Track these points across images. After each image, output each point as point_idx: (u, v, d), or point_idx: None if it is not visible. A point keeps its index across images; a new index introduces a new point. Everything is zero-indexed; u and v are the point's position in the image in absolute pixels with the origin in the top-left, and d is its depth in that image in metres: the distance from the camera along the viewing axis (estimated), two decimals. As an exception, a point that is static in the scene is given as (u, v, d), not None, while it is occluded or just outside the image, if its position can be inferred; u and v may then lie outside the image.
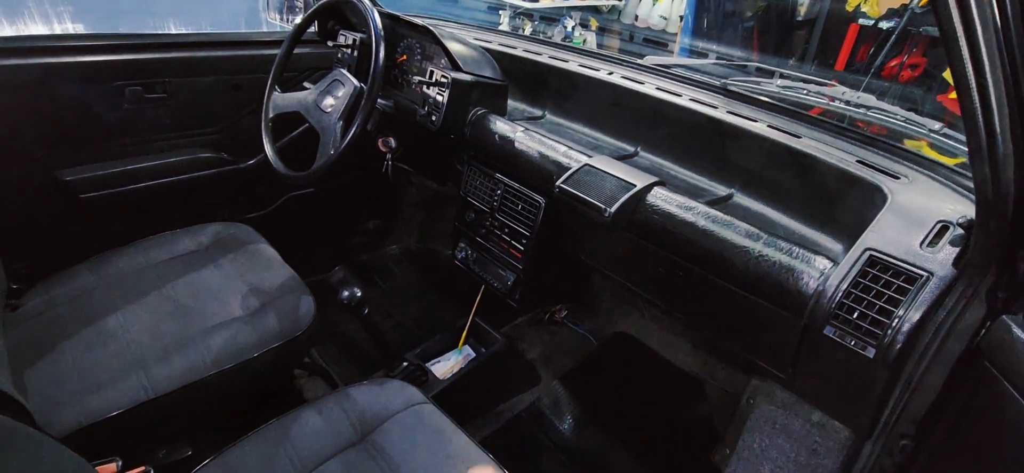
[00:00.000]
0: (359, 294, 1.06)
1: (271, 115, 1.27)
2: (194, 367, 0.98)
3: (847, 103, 1.26)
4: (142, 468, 0.84)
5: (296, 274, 1.21)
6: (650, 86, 1.28)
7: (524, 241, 1.24)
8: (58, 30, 1.96)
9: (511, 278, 1.28)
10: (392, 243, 1.97)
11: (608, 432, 1.38)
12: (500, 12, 4.01)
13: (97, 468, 0.70)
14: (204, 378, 0.97)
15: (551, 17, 3.89)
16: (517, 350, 1.49)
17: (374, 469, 0.81)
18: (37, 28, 1.88)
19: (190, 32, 1.44)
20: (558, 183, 1.05)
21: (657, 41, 3.77)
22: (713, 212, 0.93)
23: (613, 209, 0.95)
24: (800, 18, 3.32)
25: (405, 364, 1.25)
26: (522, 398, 1.43)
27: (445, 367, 1.32)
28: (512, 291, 1.28)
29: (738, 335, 1.06)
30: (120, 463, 0.76)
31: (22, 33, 1.71)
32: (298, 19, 1.58)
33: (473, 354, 1.38)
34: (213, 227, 1.33)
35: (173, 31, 1.81)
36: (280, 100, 1.28)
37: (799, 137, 1.06)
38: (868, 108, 1.22)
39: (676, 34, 3.64)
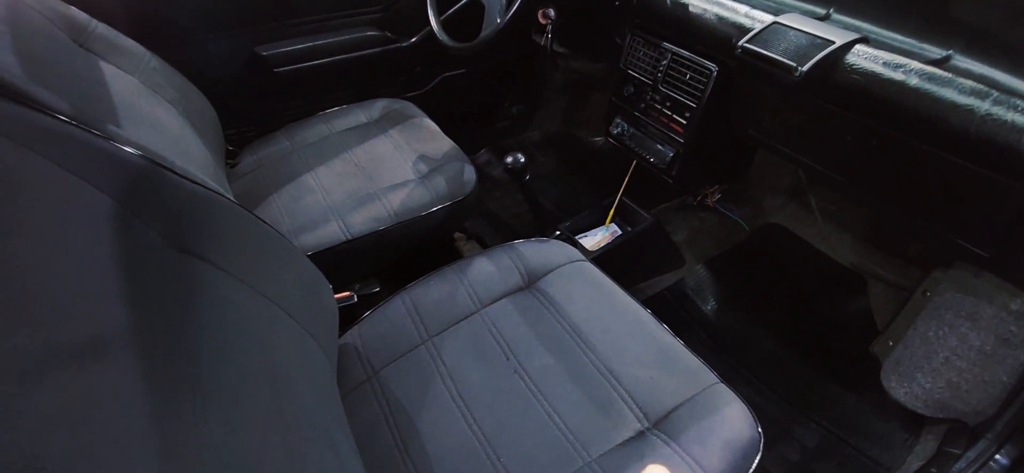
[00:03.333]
0: (523, 160, 1.11)
1: (436, -13, 1.31)
2: (379, 218, 1.11)
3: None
4: (347, 293, 1.00)
5: (457, 145, 1.29)
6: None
7: (688, 114, 1.19)
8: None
9: (670, 154, 1.24)
10: (534, 128, 2.00)
11: (753, 317, 1.35)
12: None
13: None
14: (388, 227, 1.10)
15: None
16: (664, 230, 1.48)
17: (541, 311, 0.88)
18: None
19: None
20: (742, 43, 0.98)
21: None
22: (929, 69, 0.81)
23: (806, 68, 0.87)
24: None
25: (557, 233, 1.30)
26: (665, 278, 1.44)
27: (593, 241, 1.36)
28: (670, 167, 1.25)
29: (938, 210, 0.94)
30: (330, 287, 0.91)
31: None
32: None
33: (619, 232, 1.39)
34: (381, 102, 1.45)
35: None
36: (444, -29, 1.31)
37: None
38: None
39: None
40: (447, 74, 1.72)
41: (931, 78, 0.80)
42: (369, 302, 1.09)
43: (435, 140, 1.31)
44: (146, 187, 0.54)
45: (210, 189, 0.65)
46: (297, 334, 0.67)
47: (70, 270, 0.38)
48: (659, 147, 1.27)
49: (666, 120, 1.23)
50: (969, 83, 0.78)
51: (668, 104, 1.22)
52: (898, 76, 0.83)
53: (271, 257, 0.69)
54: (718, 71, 1.14)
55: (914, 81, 0.81)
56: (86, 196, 0.45)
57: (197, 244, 0.58)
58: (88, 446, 0.28)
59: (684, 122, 1.20)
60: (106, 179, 0.49)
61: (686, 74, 1.19)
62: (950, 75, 0.80)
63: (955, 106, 0.77)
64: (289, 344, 0.63)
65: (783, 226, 1.52)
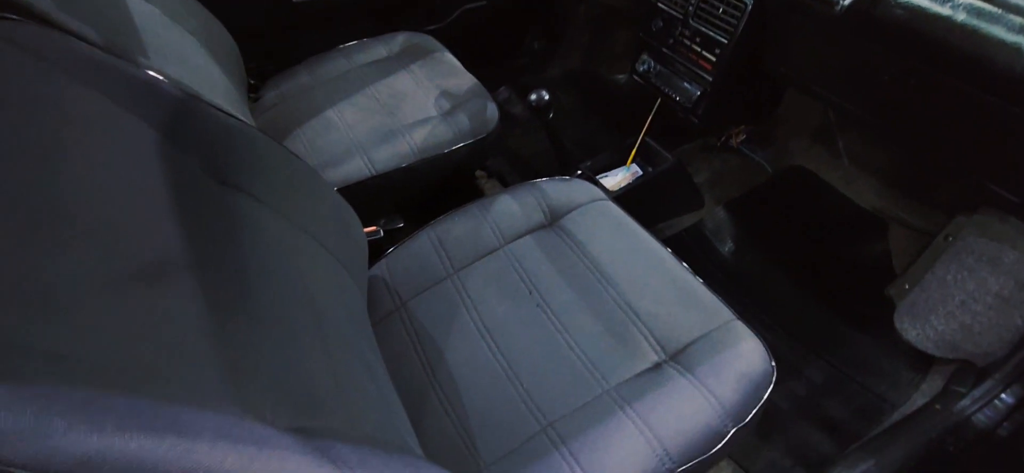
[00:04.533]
0: (547, 97, 1.10)
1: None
2: (402, 154, 1.12)
3: None
4: (374, 227, 1.03)
5: (478, 82, 1.27)
6: None
7: (718, 51, 1.16)
8: None
9: (697, 92, 1.22)
10: (555, 66, 1.96)
11: (770, 259, 1.36)
12: None
13: None
14: (411, 163, 1.11)
15: None
16: (685, 171, 1.48)
17: (563, 248, 0.90)
18: None
19: None
20: None
21: None
22: (977, 3, 0.78)
23: (847, 0, 0.84)
24: None
25: (579, 173, 1.31)
26: (684, 219, 1.44)
27: (613, 181, 1.36)
28: (696, 106, 1.23)
29: (973, 154, 0.93)
30: (359, 221, 0.93)
31: None
32: None
33: (640, 172, 1.39)
34: (401, 36, 1.43)
35: None
36: None
37: None
38: None
39: None
40: (468, 6, 1.68)
41: (979, 13, 0.77)
42: (393, 237, 1.12)
43: (456, 76, 1.29)
44: (186, 119, 0.55)
45: (244, 122, 0.66)
46: (331, 265, 0.70)
47: (124, 198, 0.40)
48: (686, 85, 1.24)
49: (695, 57, 1.20)
50: (1019, 20, 0.75)
51: (698, 40, 1.19)
52: (945, 10, 0.80)
53: (304, 190, 0.71)
54: (753, 5, 1.10)
55: (961, 16, 0.78)
56: (132, 127, 0.47)
57: (235, 176, 0.59)
58: (161, 358, 0.31)
59: (713, 59, 1.17)
60: (149, 111, 0.50)
61: (719, 8, 1.15)
62: (1000, 10, 0.76)
63: (1002, 44, 0.75)
64: (324, 274, 0.66)
65: (807, 168, 1.51)
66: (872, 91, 1.04)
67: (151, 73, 0.55)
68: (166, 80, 0.56)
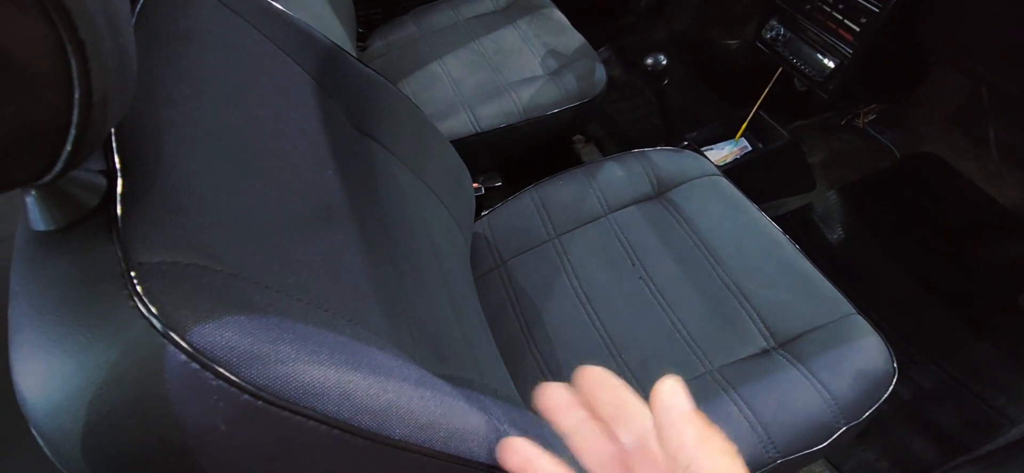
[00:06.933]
0: (664, 62, 1.05)
1: None
2: (508, 112, 1.12)
3: None
4: (476, 185, 1.05)
5: (586, 41, 1.24)
6: None
7: (864, 20, 1.05)
8: None
9: (831, 65, 1.12)
10: (660, 26, 1.87)
11: (884, 251, 1.26)
12: None
13: None
14: (515, 123, 1.11)
15: None
16: (800, 150, 1.38)
17: (671, 222, 0.88)
18: None
19: None
20: None
21: None
22: None
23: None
24: None
25: (685, 144, 1.26)
26: (790, 201, 1.36)
27: (719, 154, 1.30)
28: (828, 80, 1.13)
29: None
30: (470, 177, 0.95)
31: None
32: None
33: (749, 147, 1.32)
34: (508, -12, 1.41)
35: None
36: None
37: None
38: None
39: None
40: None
41: None
42: (491, 195, 1.13)
43: (564, 33, 1.27)
44: (334, 67, 0.58)
45: (376, 73, 0.68)
46: (446, 218, 0.72)
47: (296, 140, 0.43)
48: (818, 56, 1.14)
49: (834, 25, 1.09)
50: None
51: (840, 6, 1.07)
52: None
53: (426, 143, 0.73)
54: None
55: None
56: (295, 74, 0.50)
57: (370, 126, 0.62)
58: (345, 296, 0.33)
59: (857, 29, 1.06)
60: (307, 58, 0.53)
61: (874, -29, 1.03)
62: None
63: None
64: (441, 227, 0.68)
65: (940, 156, 1.36)
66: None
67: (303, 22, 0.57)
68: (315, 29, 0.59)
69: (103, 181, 0.27)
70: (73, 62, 0.19)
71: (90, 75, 0.20)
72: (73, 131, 0.21)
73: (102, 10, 0.20)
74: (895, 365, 0.72)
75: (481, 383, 0.43)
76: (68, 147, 0.21)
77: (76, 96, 0.20)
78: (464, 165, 0.82)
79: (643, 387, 0.72)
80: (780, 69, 1.28)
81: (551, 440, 0.43)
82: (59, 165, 0.22)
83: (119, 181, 0.27)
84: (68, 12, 0.18)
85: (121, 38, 0.22)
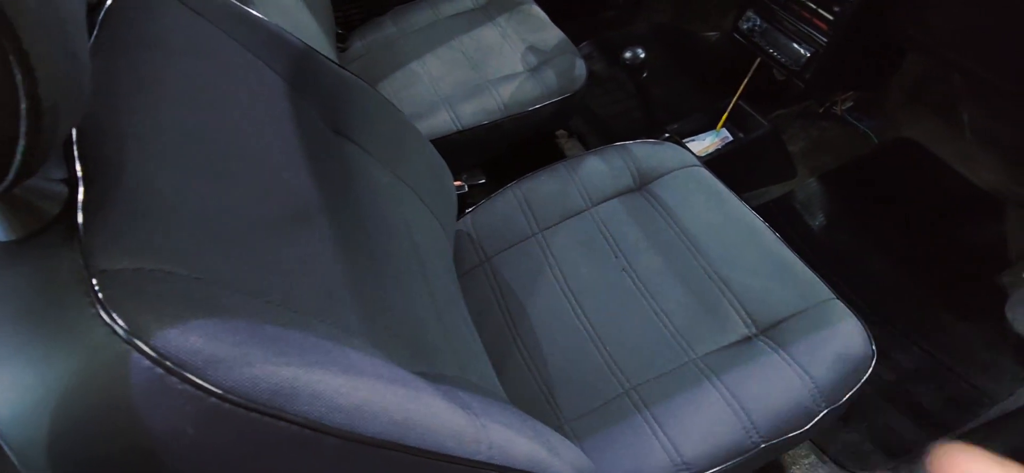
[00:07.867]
0: (643, 55, 1.06)
1: None
2: (489, 109, 1.12)
3: None
4: (459, 182, 1.05)
5: (566, 37, 1.24)
6: None
7: (838, 8, 1.06)
8: None
9: (806, 54, 1.13)
10: (641, 20, 1.88)
11: (864, 235, 1.28)
12: None
13: None
14: (497, 120, 1.11)
15: None
16: (780, 139, 1.40)
17: (652, 214, 0.88)
18: None
19: None
20: None
21: None
22: None
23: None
24: None
25: (667, 136, 1.27)
26: (772, 189, 1.37)
27: (701, 145, 1.31)
28: (804, 69, 1.14)
29: None
30: (450, 175, 0.95)
31: None
32: None
33: (730, 138, 1.33)
34: (486, -15, 1.41)
35: None
36: None
37: None
38: None
39: None
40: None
41: None
42: (475, 192, 1.13)
43: (544, 30, 1.27)
44: (306, 69, 0.57)
45: (352, 74, 0.68)
46: (427, 217, 0.72)
47: (269, 142, 0.43)
48: (794, 46, 1.16)
49: (809, 15, 1.11)
50: None
51: (815, -5, 1.09)
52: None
53: (405, 142, 0.73)
54: None
55: None
56: (266, 76, 0.50)
57: (346, 127, 0.62)
58: (319, 298, 0.33)
59: (831, 18, 1.07)
60: (278, 60, 0.52)
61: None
62: None
63: None
64: (422, 226, 0.68)
65: (916, 140, 1.38)
66: (1016, 55, 0.92)
67: (272, 23, 0.57)
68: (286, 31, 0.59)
69: (64, 190, 0.27)
70: (17, 74, 0.19)
71: (37, 85, 0.20)
72: (22, 142, 0.21)
73: (50, 18, 0.20)
74: (874, 348, 0.73)
75: (462, 379, 0.43)
76: (18, 158, 0.21)
77: (23, 108, 0.20)
78: (445, 163, 0.82)
79: (626, 375, 0.73)
80: (759, 59, 1.30)
81: (534, 436, 0.43)
82: (11, 176, 0.21)
83: (81, 189, 0.27)
84: (10, 23, 0.18)
85: (72, 45, 0.22)
